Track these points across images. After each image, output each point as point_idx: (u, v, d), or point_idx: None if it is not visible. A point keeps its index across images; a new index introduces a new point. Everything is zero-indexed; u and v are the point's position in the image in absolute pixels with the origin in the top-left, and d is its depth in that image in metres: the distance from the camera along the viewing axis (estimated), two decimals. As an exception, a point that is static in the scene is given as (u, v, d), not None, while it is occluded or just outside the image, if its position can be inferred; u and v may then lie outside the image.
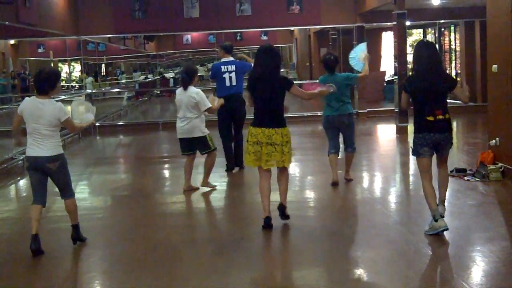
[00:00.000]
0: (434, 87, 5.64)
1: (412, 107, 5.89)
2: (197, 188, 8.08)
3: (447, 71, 20.12)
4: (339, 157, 8.05)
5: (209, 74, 9.67)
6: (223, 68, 8.90)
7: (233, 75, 8.87)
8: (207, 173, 8.06)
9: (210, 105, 7.71)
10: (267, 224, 6.03)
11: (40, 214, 5.67)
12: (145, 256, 5.59)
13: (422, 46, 5.85)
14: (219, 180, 8.25)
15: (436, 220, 5.61)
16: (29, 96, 5.78)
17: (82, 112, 6.01)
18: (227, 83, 8.87)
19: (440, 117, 5.64)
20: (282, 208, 6.22)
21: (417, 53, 5.76)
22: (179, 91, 7.79)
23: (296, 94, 6.17)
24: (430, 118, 5.62)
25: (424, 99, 5.66)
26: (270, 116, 5.98)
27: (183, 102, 7.69)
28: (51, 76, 5.61)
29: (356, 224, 6.36)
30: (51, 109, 5.53)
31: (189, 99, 7.64)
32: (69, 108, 6.06)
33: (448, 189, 7.53)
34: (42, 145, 5.54)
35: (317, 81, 8.09)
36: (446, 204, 7.12)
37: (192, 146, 7.91)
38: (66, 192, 5.81)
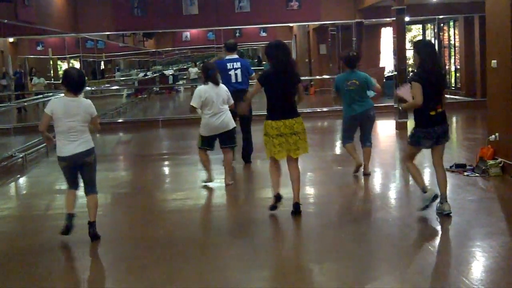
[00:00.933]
0: (440, 83, 6.05)
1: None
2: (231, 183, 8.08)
3: (447, 67, 20.15)
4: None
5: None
6: (228, 65, 9.15)
7: (238, 71, 9.14)
8: (229, 171, 8.12)
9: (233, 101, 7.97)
10: (278, 200, 6.46)
11: (75, 198, 5.98)
12: (146, 254, 5.59)
13: (427, 45, 6.28)
14: (220, 177, 8.23)
15: (425, 192, 6.05)
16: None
17: None
18: (233, 79, 9.13)
19: (440, 110, 5.99)
20: (297, 206, 6.40)
21: (423, 51, 6.02)
22: (207, 88, 7.76)
23: (298, 91, 6.41)
24: (432, 113, 5.93)
25: (430, 94, 5.90)
26: (288, 108, 6.30)
27: (215, 98, 7.71)
28: (83, 76, 5.94)
29: (355, 220, 6.35)
30: (84, 105, 5.81)
31: (223, 93, 7.82)
32: None
33: (448, 185, 7.54)
34: (78, 141, 5.75)
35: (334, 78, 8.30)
36: (446, 199, 7.16)
37: (215, 141, 7.97)
38: (92, 187, 5.96)
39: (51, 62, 22.58)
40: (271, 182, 6.53)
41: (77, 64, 23.10)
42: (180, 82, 27.25)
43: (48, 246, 5.71)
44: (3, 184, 9.28)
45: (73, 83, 5.77)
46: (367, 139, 8.13)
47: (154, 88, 26.82)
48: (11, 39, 17.76)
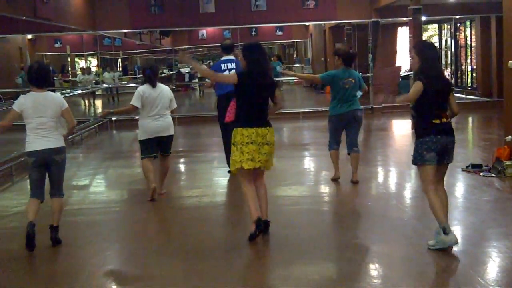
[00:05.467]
0: (444, 88, 5.30)
1: (414, 109, 5.39)
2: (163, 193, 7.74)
3: (463, 67, 20.05)
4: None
5: None
6: (223, 66, 8.67)
7: (233, 72, 8.58)
8: (163, 178, 7.79)
9: (176, 105, 7.53)
10: (259, 226, 5.54)
11: (38, 208, 5.67)
12: (161, 250, 5.63)
13: (430, 47, 5.63)
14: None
15: (446, 233, 5.05)
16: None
17: None
18: None
19: (445, 120, 5.25)
20: (267, 224, 5.74)
21: (427, 52, 5.43)
22: (146, 88, 7.24)
23: (276, 97, 5.78)
24: (436, 121, 5.20)
25: (433, 100, 5.22)
26: (262, 115, 5.67)
27: (157, 99, 7.24)
28: (47, 70, 5.80)
29: (371, 219, 6.36)
30: (53, 99, 5.65)
31: (165, 95, 7.33)
32: None
33: (463, 185, 7.53)
34: (48, 137, 5.58)
35: (333, 72, 7.90)
36: (461, 199, 7.14)
37: (157, 147, 7.46)
38: (58, 189, 5.76)
39: (69, 59, 22.77)
40: (250, 205, 5.59)
41: (94, 61, 23.25)
42: (196, 80, 27.39)
43: (64, 241, 5.76)
44: (20, 179, 9.36)
45: (32, 77, 5.62)
46: (353, 144, 7.74)
47: (170, 86, 26.97)
48: (29, 36, 17.92)
